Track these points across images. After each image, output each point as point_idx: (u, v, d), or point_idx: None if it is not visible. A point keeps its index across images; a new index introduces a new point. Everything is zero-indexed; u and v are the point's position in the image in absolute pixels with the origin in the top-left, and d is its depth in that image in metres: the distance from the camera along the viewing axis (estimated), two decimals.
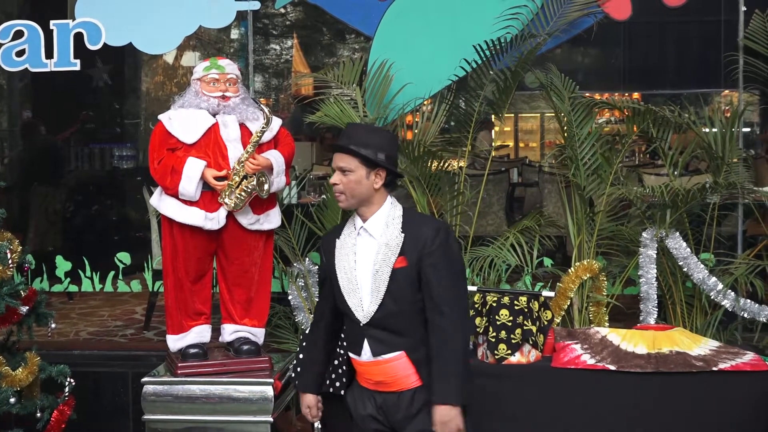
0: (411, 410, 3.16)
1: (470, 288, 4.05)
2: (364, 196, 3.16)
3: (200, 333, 4.49)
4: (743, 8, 5.27)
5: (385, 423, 3.24)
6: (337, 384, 3.95)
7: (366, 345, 3.17)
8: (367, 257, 3.17)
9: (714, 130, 5.03)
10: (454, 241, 3.22)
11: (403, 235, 3.14)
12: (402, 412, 3.18)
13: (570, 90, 5.16)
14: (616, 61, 5.88)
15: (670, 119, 5.07)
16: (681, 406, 4.04)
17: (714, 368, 4.06)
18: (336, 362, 3.77)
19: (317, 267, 5.31)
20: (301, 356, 3.94)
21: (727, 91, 5.57)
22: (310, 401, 3.43)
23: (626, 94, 5.80)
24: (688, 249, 4.92)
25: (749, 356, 4.13)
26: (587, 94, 5.26)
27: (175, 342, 4.48)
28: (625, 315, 5.16)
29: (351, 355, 3.26)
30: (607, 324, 4.78)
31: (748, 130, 5.98)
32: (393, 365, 3.16)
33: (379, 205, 3.20)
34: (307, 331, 3.33)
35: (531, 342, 4.16)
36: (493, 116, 5.45)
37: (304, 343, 3.39)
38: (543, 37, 5.17)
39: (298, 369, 3.92)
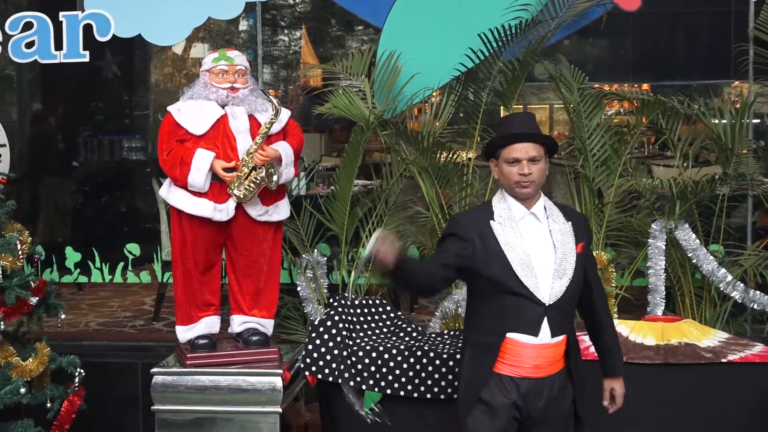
0: (553, 393, 3.30)
1: None
2: (543, 183, 3.34)
3: (209, 324, 4.51)
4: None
5: (523, 412, 3.29)
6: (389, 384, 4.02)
7: (546, 326, 3.24)
8: (541, 241, 3.29)
9: (724, 121, 5.02)
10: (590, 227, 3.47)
11: (570, 222, 3.34)
12: (545, 396, 3.28)
13: (579, 81, 5.15)
14: (626, 52, 5.84)
15: (679, 110, 5.06)
16: (690, 398, 4.05)
17: (723, 360, 4.06)
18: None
19: (325, 258, 5.32)
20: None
21: (737, 83, 5.54)
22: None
23: (635, 85, 5.76)
24: (698, 240, 4.92)
25: (759, 348, 4.13)
26: (596, 86, 5.24)
27: (184, 333, 4.50)
28: (634, 306, 5.16)
29: (515, 336, 3.24)
30: (615, 315, 4.78)
31: (758, 121, 5.94)
32: (561, 347, 3.31)
33: (539, 194, 3.36)
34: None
35: None
36: (501, 107, 5.42)
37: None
38: (551, 28, 5.16)
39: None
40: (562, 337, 3.29)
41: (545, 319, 3.23)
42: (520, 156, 3.24)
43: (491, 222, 3.30)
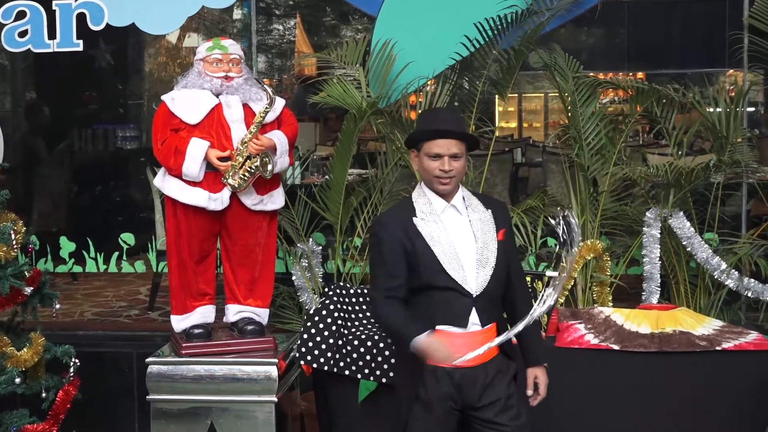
0: (486, 380, 3.30)
1: None
2: (462, 178, 3.38)
3: (204, 313, 4.50)
4: None
5: (459, 401, 3.30)
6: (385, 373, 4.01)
7: (474, 316, 3.26)
8: (463, 232, 3.31)
9: (718, 109, 5.02)
10: (509, 213, 3.49)
11: (489, 210, 3.36)
12: (479, 384, 3.29)
13: (574, 70, 5.14)
14: (620, 40, 5.85)
15: (674, 99, 5.06)
16: (684, 386, 4.06)
17: (717, 348, 4.07)
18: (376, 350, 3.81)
19: (320, 247, 5.32)
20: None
21: (731, 71, 5.54)
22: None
23: (630, 74, 5.77)
24: (692, 229, 4.92)
25: (753, 336, 4.14)
26: (591, 74, 5.25)
27: (179, 322, 4.49)
28: (629, 295, 5.17)
29: (445, 328, 3.25)
30: (610, 304, 4.79)
31: (752, 109, 5.96)
32: (491, 335, 3.30)
33: (457, 186, 3.38)
34: (384, 306, 3.31)
35: None
36: (497, 96, 5.41)
37: (391, 314, 3.36)
38: (547, 17, 5.14)
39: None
40: (491, 325, 3.32)
41: (473, 309, 3.26)
42: (441, 152, 3.27)
43: (414, 219, 3.32)
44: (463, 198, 3.37)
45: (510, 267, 3.40)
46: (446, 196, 3.33)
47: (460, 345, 3.23)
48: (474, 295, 3.26)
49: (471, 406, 3.32)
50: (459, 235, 3.30)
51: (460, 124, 3.39)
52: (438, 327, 3.25)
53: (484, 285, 3.27)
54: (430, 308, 3.29)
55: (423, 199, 3.36)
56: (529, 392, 3.42)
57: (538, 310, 3.22)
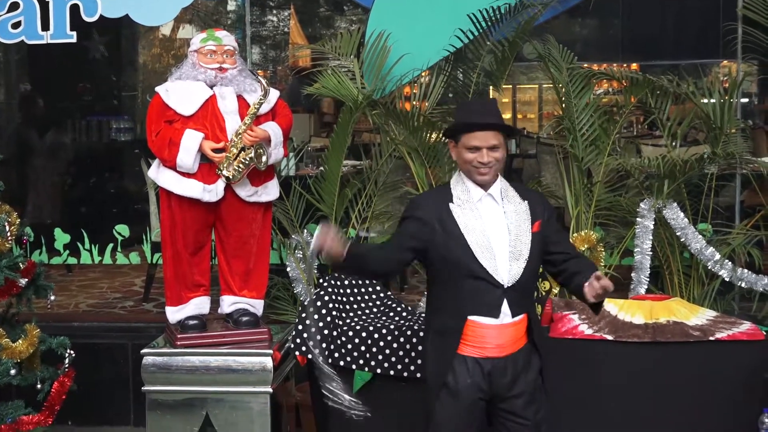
0: (517, 369, 3.32)
1: None
2: (501, 168, 3.38)
3: (199, 305, 4.51)
4: None
5: (487, 391, 3.33)
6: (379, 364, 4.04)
7: (506, 306, 3.27)
8: (498, 223, 3.31)
9: (712, 100, 5.02)
10: (550, 204, 3.50)
11: (526, 202, 3.36)
12: (509, 373, 3.32)
13: (568, 61, 5.14)
14: (614, 31, 5.84)
15: (668, 90, 5.06)
16: (678, 376, 4.07)
17: (711, 338, 4.07)
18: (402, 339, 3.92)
19: (313, 237, 5.32)
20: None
21: (725, 62, 5.54)
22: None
23: (624, 65, 5.76)
24: (686, 219, 4.93)
25: (746, 326, 4.14)
26: (585, 65, 5.24)
27: (174, 314, 4.49)
28: (623, 285, 5.17)
29: (476, 319, 3.28)
30: None
31: (746, 100, 5.96)
32: (522, 326, 3.33)
33: (497, 177, 3.38)
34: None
35: None
36: (491, 87, 5.41)
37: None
38: (540, 8, 5.14)
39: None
40: (522, 316, 3.34)
41: (504, 300, 3.27)
42: (480, 144, 3.27)
43: (450, 204, 3.33)
44: (501, 189, 3.36)
45: (558, 242, 3.42)
46: (484, 185, 3.33)
47: (492, 336, 3.28)
48: (505, 287, 3.26)
49: (499, 397, 3.34)
50: (493, 225, 3.30)
51: (499, 116, 3.39)
52: (469, 317, 3.28)
53: (516, 277, 3.27)
54: (460, 298, 3.30)
55: (461, 186, 3.37)
56: (595, 283, 3.23)
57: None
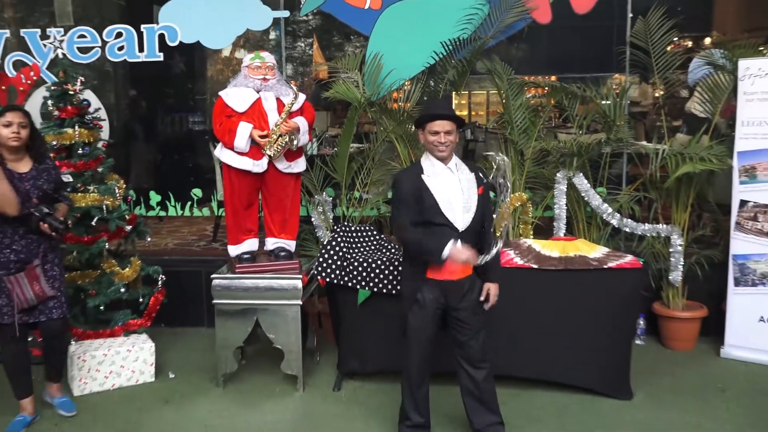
0: (463, 291, 3.36)
1: None
2: (455, 148, 3.34)
3: (251, 244, 4.51)
4: (630, 15, 5.23)
5: (443, 304, 3.36)
6: (375, 285, 4.05)
7: (460, 244, 3.26)
8: (455, 186, 3.30)
9: (608, 102, 5.00)
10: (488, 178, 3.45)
11: (473, 173, 3.35)
12: (459, 293, 3.35)
13: (507, 74, 5.12)
14: (540, 52, 5.79)
15: (577, 94, 5.04)
16: (583, 294, 4.09)
17: (605, 266, 4.09)
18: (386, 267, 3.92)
19: (330, 198, 5.31)
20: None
21: (617, 75, 5.50)
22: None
23: (547, 77, 5.72)
24: (588, 184, 4.94)
25: (628, 258, 4.16)
26: (519, 77, 5.21)
27: (233, 250, 4.50)
28: (545, 230, 5.19)
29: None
30: (531, 237, 4.81)
31: (630, 102, 5.92)
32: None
33: (453, 154, 3.37)
34: (413, 232, 3.29)
35: None
36: (453, 92, 5.38)
37: (419, 236, 3.31)
38: (488, 37, 5.12)
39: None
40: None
41: (459, 239, 3.27)
42: (438, 129, 3.28)
43: (422, 175, 3.33)
44: (456, 164, 3.36)
45: (485, 213, 3.41)
46: (443, 160, 3.33)
47: (449, 265, 3.28)
48: (460, 230, 3.28)
49: (452, 308, 3.38)
50: (452, 188, 3.30)
51: (451, 110, 3.39)
52: None
53: (467, 224, 3.29)
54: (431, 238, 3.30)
55: (428, 162, 3.37)
56: (482, 298, 3.45)
57: (498, 244, 3.41)
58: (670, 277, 4.92)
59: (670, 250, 4.88)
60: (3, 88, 3.87)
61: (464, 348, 3.42)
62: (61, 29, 5.79)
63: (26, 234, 3.64)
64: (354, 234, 4.61)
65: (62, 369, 4.03)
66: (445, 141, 3.28)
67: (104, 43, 5.73)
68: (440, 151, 3.30)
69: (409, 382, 3.48)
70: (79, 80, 4.64)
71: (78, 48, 5.75)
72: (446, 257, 3.21)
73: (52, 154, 4.53)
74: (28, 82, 4.03)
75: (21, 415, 3.85)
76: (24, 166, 3.69)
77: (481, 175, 3.41)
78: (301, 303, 4.26)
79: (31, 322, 3.73)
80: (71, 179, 4.47)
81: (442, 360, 3.54)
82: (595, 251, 4.21)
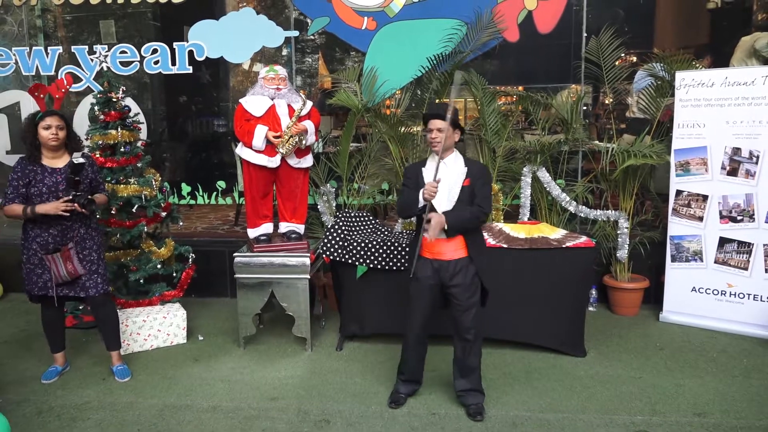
0: (455, 270, 3.28)
1: None
2: (448, 145, 3.25)
3: (267, 228, 4.48)
4: (585, 34, 5.21)
5: (436, 280, 3.30)
6: (371, 261, 4.00)
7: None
8: (445, 178, 3.24)
9: (567, 108, 4.99)
10: (488, 173, 3.34)
11: (466, 168, 3.26)
12: (450, 271, 3.28)
13: (482, 84, 5.09)
14: (510, 66, 5.77)
15: (541, 101, 5.02)
16: (545, 269, 4.10)
17: (563, 246, 4.09)
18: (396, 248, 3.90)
19: (334, 189, 5.29)
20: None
21: (574, 85, 5.49)
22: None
23: (515, 87, 5.70)
24: (550, 177, 4.93)
25: (583, 239, 4.17)
26: (492, 87, 5.19)
27: (252, 233, 4.47)
28: (513, 216, 5.19)
29: (426, 227, 3.18)
30: (502, 221, 4.81)
31: (585, 108, 5.90)
32: (457, 242, 3.27)
33: (452, 151, 3.30)
34: (399, 202, 3.29)
35: None
36: (437, 100, 5.35)
37: (399, 202, 3.33)
38: (466, 53, 5.09)
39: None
40: (456, 237, 3.28)
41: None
42: (432, 127, 3.25)
43: (422, 168, 3.32)
44: (454, 159, 3.29)
45: (472, 200, 3.25)
46: (442, 156, 3.25)
47: (438, 246, 3.28)
48: (440, 213, 3.21)
49: (445, 285, 3.31)
50: (444, 179, 3.24)
51: (442, 112, 3.24)
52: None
53: (446, 209, 3.22)
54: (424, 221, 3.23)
55: (429, 158, 3.36)
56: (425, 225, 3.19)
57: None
58: (617, 255, 4.93)
59: (618, 232, 4.89)
60: (42, 96, 3.84)
61: (455, 320, 3.36)
62: (106, 46, 5.74)
63: (63, 221, 3.64)
64: (353, 219, 4.60)
65: (117, 340, 3.99)
66: (436, 137, 3.23)
67: (142, 58, 5.68)
68: (433, 146, 3.25)
69: (407, 342, 3.47)
70: (121, 89, 4.60)
71: (120, 62, 5.70)
72: (423, 200, 3.14)
73: (98, 152, 4.50)
74: (63, 90, 4.04)
75: (54, 366, 3.98)
76: (61, 162, 3.68)
77: (475, 171, 3.29)
78: (309, 277, 4.25)
79: (71, 295, 3.74)
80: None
81: (442, 325, 3.51)
82: (556, 233, 4.22)
